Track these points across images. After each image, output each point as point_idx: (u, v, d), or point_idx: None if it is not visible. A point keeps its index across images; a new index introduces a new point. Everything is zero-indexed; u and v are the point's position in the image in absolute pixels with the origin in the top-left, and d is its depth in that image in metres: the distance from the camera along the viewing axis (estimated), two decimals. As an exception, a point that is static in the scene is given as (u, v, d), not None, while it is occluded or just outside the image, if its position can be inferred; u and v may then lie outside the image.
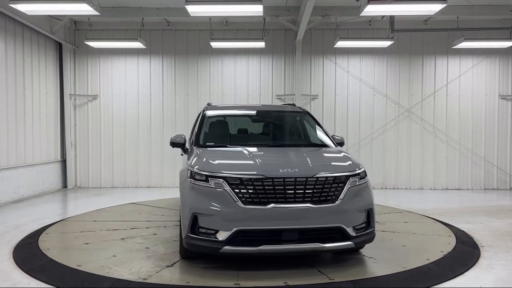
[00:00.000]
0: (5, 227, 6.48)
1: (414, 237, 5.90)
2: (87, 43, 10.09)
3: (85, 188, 11.00)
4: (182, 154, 6.24)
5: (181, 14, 9.66)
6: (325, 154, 5.16)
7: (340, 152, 5.10)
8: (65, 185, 10.93)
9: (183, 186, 4.59)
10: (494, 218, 7.24)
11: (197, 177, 4.34)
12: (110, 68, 11.06)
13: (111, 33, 10.88)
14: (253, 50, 10.84)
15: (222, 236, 4.12)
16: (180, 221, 4.87)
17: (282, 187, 4.19)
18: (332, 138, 5.70)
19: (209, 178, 4.26)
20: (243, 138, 6.05)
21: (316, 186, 4.25)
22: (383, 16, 10.13)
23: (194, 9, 7.41)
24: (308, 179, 4.24)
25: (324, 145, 5.49)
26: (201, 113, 5.96)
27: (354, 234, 4.30)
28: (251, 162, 4.51)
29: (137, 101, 11.03)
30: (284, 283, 4.11)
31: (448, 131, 10.91)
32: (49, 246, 5.33)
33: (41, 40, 9.95)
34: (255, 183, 4.18)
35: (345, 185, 4.35)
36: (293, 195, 4.20)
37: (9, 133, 8.76)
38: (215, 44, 10.10)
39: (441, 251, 5.17)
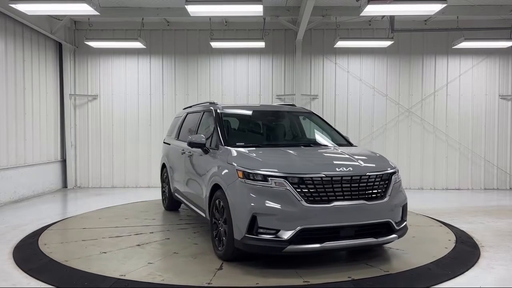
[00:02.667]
0: (5, 227, 6.48)
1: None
2: (87, 43, 10.09)
3: (85, 188, 10.99)
4: (190, 155, 6.11)
5: (181, 14, 9.66)
6: (363, 154, 5.26)
7: (372, 151, 5.45)
8: (65, 185, 10.93)
9: (233, 187, 4.50)
10: (494, 218, 7.24)
11: (253, 177, 4.35)
12: (110, 68, 11.06)
13: (111, 33, 10.88)
14: (253, 50, 10.84)
15: (285, 235, 4.15)
16: (217, 223, 4.85)
17: (340, 186, 4.36)
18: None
19: (269, 178, 4.28)
20: (268, 138, 6.10)
21: (368, 184, 4.48)
22: (383, 16, 10.13)
23: (194, 9, 7.41)
24: (362, 177, 4.45)
25: (346, 145, 5.75)
26: (213, 112, 5.83)
27: (397, 228, 4.60)
28: (306, 161, 4.64)
29: (137, 101, 11.03)
30: (349, 277, 4.25)
31: (448, 131, 10.91)
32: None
33: (41, 40, 9.96)
34: (315, 182, 4.28)
35: (390, 182, 4.64)
36: (349, 193, 4.38)
37: (9, 133, 8.77)
38: (215, 44, 10.10)
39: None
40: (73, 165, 11.00)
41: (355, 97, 10.96)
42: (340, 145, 5.71)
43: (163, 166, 7.79)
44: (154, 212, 7.55)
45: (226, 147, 5.11)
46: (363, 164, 4.67)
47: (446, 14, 9.45)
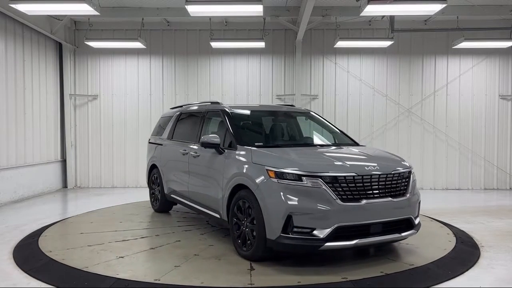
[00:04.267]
0: (5, 227, 6.48)
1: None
2: (87, 43, 10.09)
3: (85, 188, 11.00)
4: (197, 155, 5.93)
5: (181, 14, 9.67)
6: (381, 153, 5.42)
7: (386, 151, 5.67)
8: (65, 185, 10.93)
9: (264, 188, 4.46)
10: (494, 218, 7.24)
11: (287, 176, 4.36)
12: (110, 68, 11.06)
13: (111, 33, 10.88)
14: (253, 50, 10.84)
15: (321, 233, 4.21)
16: (239, 224, 4.85)
17: (369, 184, 4.49)
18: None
19: (304, 178, 4.31)
20: (281, 138, 6.15)
21: (393, 182, 4.66)
22: (383, 16, 10.13)
23: (194, 9, 7.42)
24: (388, 175, 4.61)
25: (353, 144, 5.92)
26: (223, 112, 5.77)
27: (416, 223, 4.84)
28: (336, 161, 4.68)
29: (137, 101, 11.04)
30: (381, 272, 4.39)
31: (448, 131, 10.91)
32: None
33: (41, 40, 9.96)
34: (348, 180, 4.38)
35: (409, 179, 4.87)
36: (378, 191, 4.53)
37: (9, 133, 8.77)
38: (215, 44, 10.10)
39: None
40: (73, 165, 11.01)
41: (355, 97, 10.96)
42: (349, 145, 5.85)
43: (152, 167, 7.50)
44: (145, 214, 7.31)
45: (245, 147, 5.08)
46: (386, 163, 4.82)
47: (446, 14, 9.45)
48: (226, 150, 5.32)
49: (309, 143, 6.04)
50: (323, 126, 6.40)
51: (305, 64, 10.90)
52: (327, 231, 4.20)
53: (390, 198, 4.55)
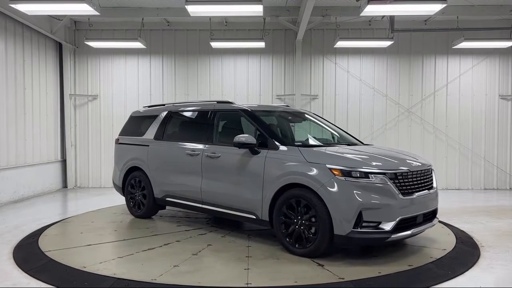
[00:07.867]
0: (5, 227, 6.48)
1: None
2: (87, 43, 10.09)
3: (85, 188, 11.00)
4: (216, 156, 5.68)
5: (181, 14, 9.68)
6: (403, 151, 5.78)
7: (401, 150, 6.16)
8: (65, 185, 10.94)
9: (331, 186, 4.58)
10: (494, 218, 7.24)
11: (355, 174, 4.56)
12: (110, 68, 11.07)
13: (111, 33, 10.88)
14: (253, 50, 10.84)
15: (387, 226, 4.52)
16: (288, 223, 4.92)
17: (416, 178, 4.91)
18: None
19: (370, 175, 4.56)
20: (311, 137, 6.35)
21: (427, 176, 5.12)
22: (383, 16, 10.13)
23: (194, 9, 7.42)
24: (425, 170, 5.08)
25: (359, 144, 6.15)
26: (245, 112, 5.73)
27: (437, 213, 5.33)
28: (388, 158, 5.00)
29: (137, 101, 11.03)
30: (431, 258, 4.84)
31: (448, 131, 10.91)
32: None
33: (41, 40, 9.96)
34: (403, 176, 4.76)
35: (433, 174, 5.34)
36: (422, 185, 4.96)
37: (9, 133, 8.77)
38: (215, 44, 10.10)
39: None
40: (73, 165, 11.01)
41: (355, 97, 10.96)
42: (364, 144, 6.14)
43: (132, 169, 7.01)
44: (130, 221, 6.79)
45: (290, 146, 5.13)
46: (419, 159, 5.24)
47: (446, 14, 9.46)
48: (261, 150, 5.25)
49: (339, 142, 6.15)
50: (336, 127, 6.64)
51: (305, 64, 10.90)
52: (393, 223, 4.50)
53: (427, 191, 4.98)
